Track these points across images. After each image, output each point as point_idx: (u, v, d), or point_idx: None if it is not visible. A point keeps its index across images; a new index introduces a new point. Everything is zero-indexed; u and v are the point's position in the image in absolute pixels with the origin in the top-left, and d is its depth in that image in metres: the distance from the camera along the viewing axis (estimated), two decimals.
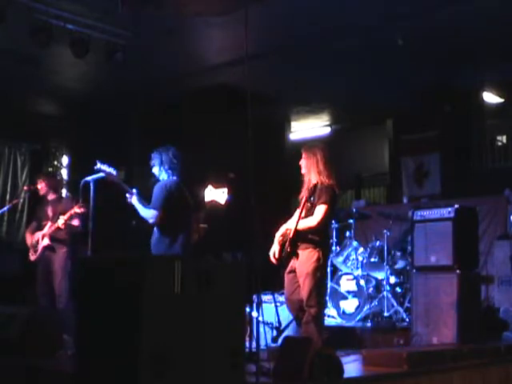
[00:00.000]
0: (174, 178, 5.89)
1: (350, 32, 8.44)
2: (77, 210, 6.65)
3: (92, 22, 8.03)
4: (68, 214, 6.70)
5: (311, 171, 5.51)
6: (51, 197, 7.19)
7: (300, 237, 5.39)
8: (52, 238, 6.92)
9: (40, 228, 7.05)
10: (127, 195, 5.81)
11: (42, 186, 7.21)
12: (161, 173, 5.92)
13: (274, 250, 5.51)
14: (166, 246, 5.69)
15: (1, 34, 8.02)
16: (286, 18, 8.08)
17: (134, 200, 5.76)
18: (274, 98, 10.92)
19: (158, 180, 5.93)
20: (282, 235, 5.52)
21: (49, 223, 6.96)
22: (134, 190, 5.80)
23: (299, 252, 5.39)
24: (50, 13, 7.67)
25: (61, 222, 6.75)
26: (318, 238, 5.37)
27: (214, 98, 10.52)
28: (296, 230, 5.37)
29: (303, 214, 5.44)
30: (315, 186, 5.42)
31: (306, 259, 5.35)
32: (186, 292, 3.52)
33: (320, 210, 5.36)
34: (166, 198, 5.72)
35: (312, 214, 5.40)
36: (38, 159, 11.44)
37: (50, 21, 7.69)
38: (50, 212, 7.05)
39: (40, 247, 6.97)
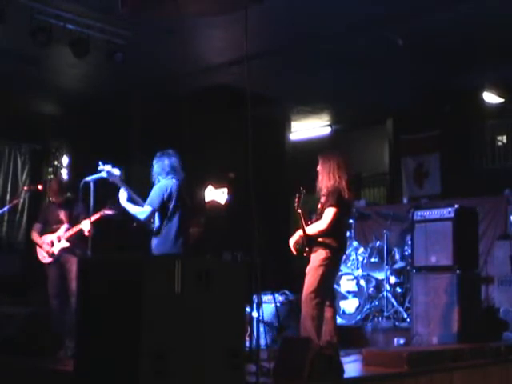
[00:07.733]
0: (174, 180, 5.79)
1: (350, 32, 8.43)
2: (107, 212, 6.38)
3: (92, 22, 8.03)
4: (96, 217, 6.20)
5: (324, 178, 5.59)
6: (59, 200, 6.93)
7: (312, 241, 5.47)
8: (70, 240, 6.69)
9: (48, 230, 6.83)
10: (120, 195, 5.72)
11: (55, 186, 6.94)
12: (160, 178, 5.82)
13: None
14: (166, 247, 5.64)
15: (1, 34, 8.02)
16: (286, 18, 8.07)
17: (124, 201, 5.68)
18: (274, 98, 10.91)
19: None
20: (295, 242, 5.60)
21: (64, 226, 6.74)
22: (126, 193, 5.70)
23: (311, 256, 5.49)
24: (50, 13, 7.67)
25: (87, 227, 6.29)
26: (328, 240, 5.46)
27: (214, 97, 10.51)
28: (307, 235, 5.45)
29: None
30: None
31: (314, 260, 5.46)
32: (186, 292, 3.52)
33: (328, 213, 5.44)
34: (163, 198, 5.64)
35: (321, 218, 5.50)
36: (38, 159, 11.42)
37: (50, 21, 7.69)
38: (62, 215, 6.83)
39: (58, 249, 6.71)
